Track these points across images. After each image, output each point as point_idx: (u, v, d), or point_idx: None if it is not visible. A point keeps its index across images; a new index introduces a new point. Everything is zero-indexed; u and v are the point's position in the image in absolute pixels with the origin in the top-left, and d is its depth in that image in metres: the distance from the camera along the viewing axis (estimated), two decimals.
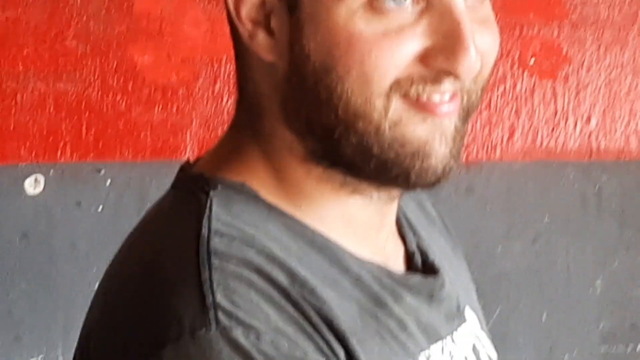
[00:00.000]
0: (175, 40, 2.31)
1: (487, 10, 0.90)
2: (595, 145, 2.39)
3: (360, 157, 0.88)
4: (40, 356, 2.31)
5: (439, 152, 0.88)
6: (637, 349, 2.42)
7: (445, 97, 0.87)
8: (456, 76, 0.85)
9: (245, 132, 0.96)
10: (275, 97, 0.91)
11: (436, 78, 0.86)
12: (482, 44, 0.87)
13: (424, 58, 0.85)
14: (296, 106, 0.90)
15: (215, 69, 2.31)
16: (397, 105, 0.86)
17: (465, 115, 0.90)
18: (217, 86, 2.31)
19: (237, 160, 0.95)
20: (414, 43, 0.85)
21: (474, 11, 0.87)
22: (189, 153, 2.29)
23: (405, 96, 0.86)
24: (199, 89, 2.29)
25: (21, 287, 2.31)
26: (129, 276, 0.93)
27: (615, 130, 2.39)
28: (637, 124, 2.40)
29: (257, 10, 0.89)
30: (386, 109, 0.86)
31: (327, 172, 0.92)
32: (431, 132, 0.88)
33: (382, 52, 0.84)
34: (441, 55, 0.84)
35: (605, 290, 2.41)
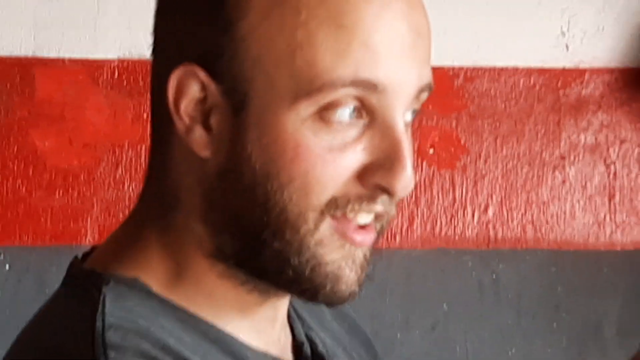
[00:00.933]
0: (77, 126, 2.31)
1: (410, 135, 0.94)
2: (492, 234, 2.40)
3: (276, 264, 0.90)
4: None
5: (349, 278, 0.89)
6: None
7: (369, 219, 0.90)
8: (391, 193, 0.87)
9: (148, 224, 0.96)
10: (197, 190, 0.92)
11: (372, 196, 0.87)
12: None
13: (362, 174, 0.87)
14: (223, 202, 0.91)
15: (117, 154, 2.31)
16: (326, 226, 0.87)
17: (376, 241, 0.93)
18: (119, 172, 2.31)
19: (132, 255, 0.95)
20: (354, 159, 0.87)
21: (408, 128, 0.91)
22: (90, 238, 2.27)
23: (334, 217, 0.88)
24: (100, 174, 2.28)
25: None
26: None
27: (512, 219, 2.40)
28: (533, 214, 2.42)
29: (196, 106, 0.90)
30: (316, 226, 0.87)
31: (230, 269, 0.92)
32: (345, 258, 0.89)
33: (326, 167, 0.86)
34: (380, 171, 0.86)
35: None
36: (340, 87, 0.84)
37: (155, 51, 0.95)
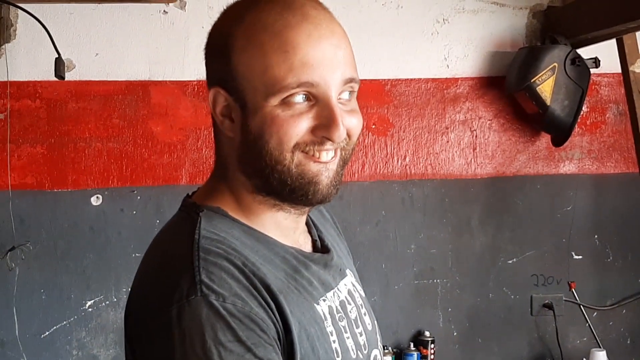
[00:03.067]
0: (174, 118, 3.07)
1: (354, 104, 1.15)
2: (409, 171, 3.21)
3: (280, 186, 1.11)
4: (102, 296, 3.02)
5: (324, 182, 1.11)
6: (434, 282, 3.19)
7: (328, 155, 1.11)
8: (332, 139, 1.09)
9: (218, 178, 1.18)
10: (234, 156, 1.14)
11: (321, 142, 1.10)
12: (350, 124, 1.12)
13: (314, 130, 1.09)
14: (246, 160, 1.13)
15: (197, 133, 3.06)
16: (299, 156, 1.10)
17: (342, 164, 1.14)
18: (199, 143, 3.05)
19: (214, 195, 1.17)
20: (307, 122, 1.09)
21: (346, 105, 1.11)
22: (184, 181, 3.02)
23: (303, 151, 1.10)
24: (189, 144, 3.06)
25: (90, 258, 3.04)
26: (152, 262, 1.14)
27: (419, 163, 3.21)
28: (431, 160, 3.19)
29: (224, 109, 1.13)
30: (292, 159, 1.10)
31: (264, 198, 1.15)
32: (319, 169, 1.11)
33: (289, 125, 1.08)
34: (323, 128, 1.08)
35: (417, 251, 3.20)
36: (290, 89, 1.07)
37: (206, 73, 1.18)
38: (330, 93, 1.08)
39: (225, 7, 1.18)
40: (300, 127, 1.08)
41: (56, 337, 3.02)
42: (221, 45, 1.11)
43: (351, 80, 1.11)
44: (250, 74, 1.08)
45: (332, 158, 1.11)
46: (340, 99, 1.11)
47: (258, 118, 1.09)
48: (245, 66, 1.08)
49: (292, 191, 1.11)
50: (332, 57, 1.08)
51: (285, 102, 1.08)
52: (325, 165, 1.11)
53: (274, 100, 1.07)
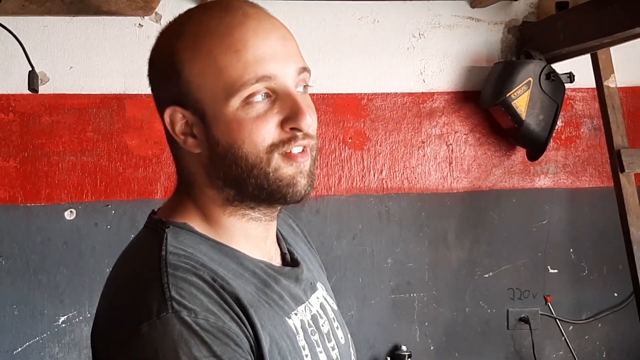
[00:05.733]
0: (149, 131, 3.04)
1: (310, 99, 1.14)
2: (385, 185, 3.19)
3: (257, 191, 1.11)
4: (75, 311, 2.99)
5: (302, 183, 1.11)
6: (411, 296, 3.18)
7: (300, 150, 1.10)
8: (301, 130, 1.08)
9: (183, 193, 1.18)
10: (201, 171, 1.13)
11: (293, 137, 1.08)
12: (312, 118, 1.11)
13: (282, 124, 1.09)
14: (216, 173, 1.11)
15: None
16: (277, 159, 1.09)
17: (314, 161, 1.14)
18: None
19: (180, 211, 1.16)
20: (274, 118, 1.08)
21: (304, 100, 1.11)
22: (159, 195, 3.03)
23: (281, 153, 1.09)
24: (164, 158, 3.05)
25: (64, 273, 3.00)
26: (119, 280, 1.13)
27: (396, 177, 3.19)
28: (407, 174, 3.18)
29: (183, 127, 1.12)
30: (269, 161, 1.09)
31: (235, 209, 1.14)
32: (295, 172, 1.11)
33: (257, 127, 1.08)
34: (291, 119, 1.08)
35: (393, 265, 3.18)
36: (250, 85, 1.06)
37: (154, 99, 1.16)
38: (288, 84, 1.09)
39: (158, 33, 1.17)
40: (269, 125, 1.08)
41: (29, 353, 2.99)
42: (167, 64, 1.11)
43: (304, 69, 1.11)
44: (205, 82, 1.07)
45: (304, 157, 1.12)
46: (298, 92, 1.12)
47: (222, 126, 1.08)
48: (197, 76, 1.08)
49: (269, 194, 1.11)
50: (282, 49, 1.09)
51: (248, 103, 1.07)
52: (299, 164, 1.11)
53: (235, 102, 1.07)
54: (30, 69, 2.78)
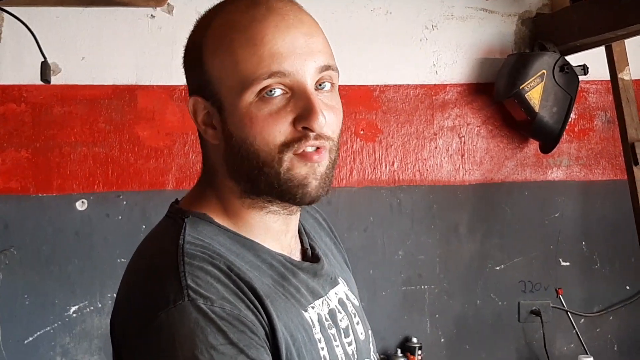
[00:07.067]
0: (161, 122, 3.04)
1: (336, 100, 1.12)
2: (397, 177, 3.18)
3: (268, 188, 1.10)
4: (86, 301, 3.00)
5: (313, 184, 1.09)
6: (422, 288, 3.18)
7: (313, 149, 1.07)
8: (312, 129, 1.05)
9: (206, 184, 1.18)
10: (222, 163, 1.13)
11: (305, 136, 1.06)
12: (329, 119, 1.09)
13: (295, 123, 1.07)
14: (233, 166, 1.12)
15: (184, 138, 3.05)
16: (290, 159, 1.07)
17: (331, 165, 1.11)
18: (186, 148, 3.04)
19: (201, 201, 1.16)
20: (287, 116, 1.06)
21: (326, 99, 1.09)
22: (170, 186, 3.01)
23: (295, 153, 1.07)
24: (175, 149, 3.05)
25: (75, 263, 3.01)
26: (137, 268, 1.13)
27: (408, 169, 3.18)
28: (419, 166, 3.19)
29: (205, 117, 1.13)
30: (280, 161, 1.07)
31: (253, 201, 1.14)
32: (308, 172, 1.08)
33: (269, 124, 1.06)
34: (303, 118, 1.06)
35: (404, 257, 3.18)
36: (262, 80, 1.05)
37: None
38: (305, 81, 1.07)
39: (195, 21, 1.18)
40: (281, 123, 1.07)
41: (40, 343, 2.99)
42: (195, 54, 1.11)
43: (327, 67, 1.09)
44: (223, 74, 1.07)
45: (320, 157, 1.10)
46: (321, 90, 1.09)
47: (236, 120, 1.08)
48: (217, 68, 1.08)
49: (280, 193, 1.10)
50: (303, 46, 1.07)
51: (262, 99, 1.07)
52: (313, 164, 1.09)
53: (249, 96, 1.06)
54: (43, 59, 2.79)
